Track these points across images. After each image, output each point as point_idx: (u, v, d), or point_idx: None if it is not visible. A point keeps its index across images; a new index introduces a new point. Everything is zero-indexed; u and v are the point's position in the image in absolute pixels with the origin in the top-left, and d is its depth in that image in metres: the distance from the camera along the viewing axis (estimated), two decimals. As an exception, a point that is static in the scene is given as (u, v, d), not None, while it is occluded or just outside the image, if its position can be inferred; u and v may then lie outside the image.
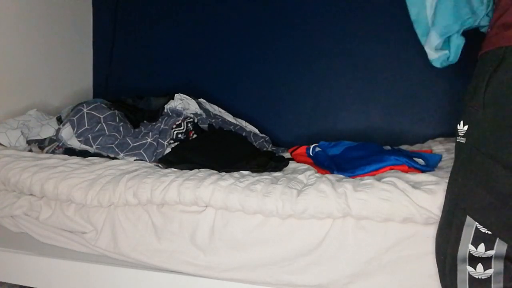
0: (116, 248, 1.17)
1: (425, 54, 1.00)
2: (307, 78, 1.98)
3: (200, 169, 1.26)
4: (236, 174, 1.21)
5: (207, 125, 1.66)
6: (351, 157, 1.42)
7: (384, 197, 0.97)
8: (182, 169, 1.28)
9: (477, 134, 0.75)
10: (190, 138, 1.54)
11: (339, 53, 1.92)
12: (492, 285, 0.74)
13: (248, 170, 1.28)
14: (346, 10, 1.89)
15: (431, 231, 0.91)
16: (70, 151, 1.47)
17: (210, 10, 2.07)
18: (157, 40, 2.17)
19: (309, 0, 1.93)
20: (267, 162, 1.39)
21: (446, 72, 1.77)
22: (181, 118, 1.58)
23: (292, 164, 1.42)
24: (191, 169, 1.27)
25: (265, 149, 1.77)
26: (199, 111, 1.71)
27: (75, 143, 1.49)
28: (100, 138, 1.47)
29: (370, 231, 1.01)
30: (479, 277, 0.75)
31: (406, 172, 1.16)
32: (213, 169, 1.27)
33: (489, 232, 0.73)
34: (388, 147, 1.57)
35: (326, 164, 1.39)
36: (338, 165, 1.35)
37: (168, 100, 1.73)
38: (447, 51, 0.97)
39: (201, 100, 1.84)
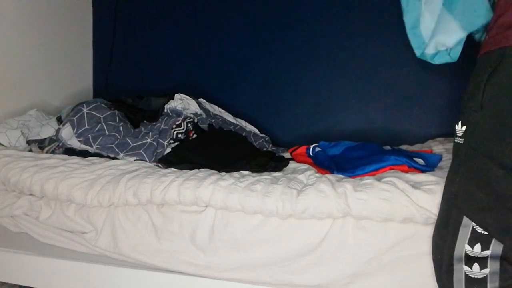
0: (116, 248, 1.17)
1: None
2: (307, 78, 1.98)
3: (200, 169, 1.26)
4: (236, 174, 1.21)
5: (207, 125, 1.66)
6: (351, 157, 1.42)
7: (384, 197, 0.97)
8: (182, 169, 1.28)
9: (475, 135, 0.75)
10: (190, 138, 1.54)
11: (339, 53, 1.92)
12: (488, 284, 0.74)
13: (248, 170, 1.27)
14: (346, 10, 1.89)
15: (431, 231, 0.91)
16: (70, 151, 1.47)
17: (210, 10, 2.08)
18: (157, 40, 2.17)
19: (309, 0, 1.94)
20: (267, 162, 1.39)
21: (446, 72, 1.78)
22: (181, 118, 1.58)
23: (292, 164, 1.42)
24: (191, 169, 1.27)
25: (265, 149, 1.77)
26: (199, 111, 1.71)
27: (75, 143, 1.49)
28: (100, 138, 1.47)
29: (370, 231, 1.01)
30: (475, 276, 0.75)
31: (406, 172, 1.16)
32: (213, 169, 1.27)
33: (486, 233, 0.73)
34: (388, 147, 1.57)
35: (326, 164, 1.39)
36: (338, 165, 1.35)
37: (168, 100, 1.73)
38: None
39: (201, 100, 1.84)
